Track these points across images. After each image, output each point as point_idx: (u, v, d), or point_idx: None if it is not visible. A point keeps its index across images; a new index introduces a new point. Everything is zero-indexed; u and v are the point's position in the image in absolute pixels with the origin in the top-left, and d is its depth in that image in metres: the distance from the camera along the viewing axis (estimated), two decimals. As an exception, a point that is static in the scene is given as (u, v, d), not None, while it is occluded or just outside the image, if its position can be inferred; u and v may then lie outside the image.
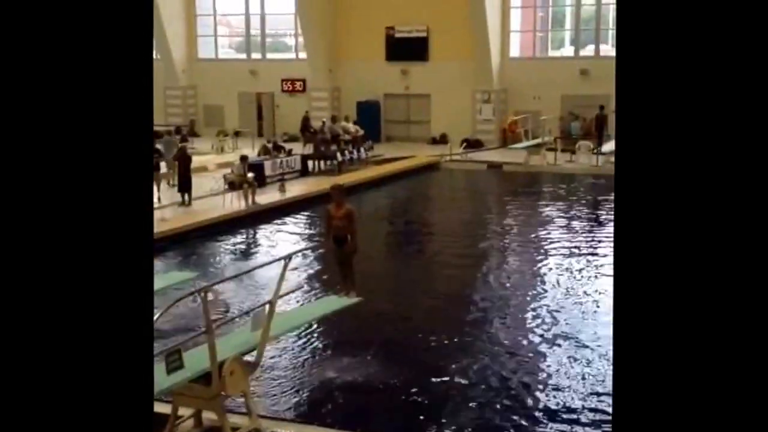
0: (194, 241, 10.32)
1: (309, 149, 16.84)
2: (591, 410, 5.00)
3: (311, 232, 11.44)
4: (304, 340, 6.34)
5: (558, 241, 10.25)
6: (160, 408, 4.42)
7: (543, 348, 6.20)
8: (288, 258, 4.66)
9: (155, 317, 3.98)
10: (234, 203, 11.83)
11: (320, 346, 6.28)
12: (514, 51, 19.81)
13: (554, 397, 5.20)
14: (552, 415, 4.92)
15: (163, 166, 12.94)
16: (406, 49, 20.13)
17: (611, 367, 5.52)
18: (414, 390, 5.29)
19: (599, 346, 6.17)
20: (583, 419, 4.85)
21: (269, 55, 22.87)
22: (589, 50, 19.39)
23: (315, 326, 6.49)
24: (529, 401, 5.13)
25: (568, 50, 20.09)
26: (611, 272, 9.09)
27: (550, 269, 8.73)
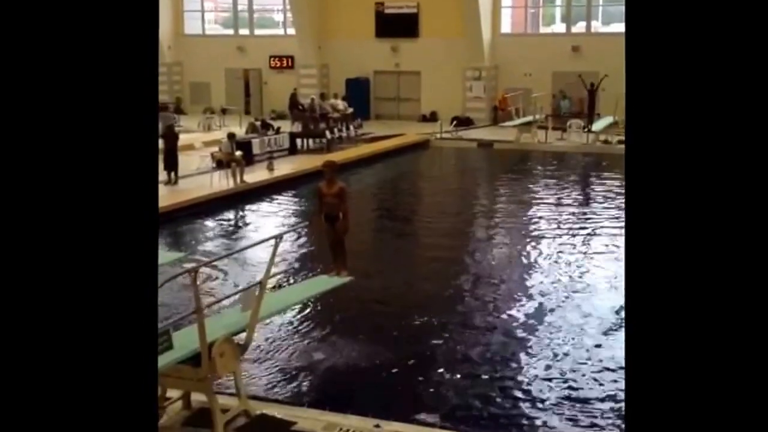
0: (181, 220, 10.12)
1: (297, 127, 16.59)
2: (579, 389, 5.02)
3: (301, 211, 11.29)
4: (294, 320, 6.27)
5: (548, 220, 10.22)
6: None
7: (532, 327, 6.18)
8: (279, 237, 4.55)
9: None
10: (221, 182, 11.64)
11: (310, 326, 6.22)
12: (506, 27, 19.57)
13: (545, 378, 5.19)
14: (541, 397, 4.92)
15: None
16: (396, 26, 19.78)
17: (598, 346, 5.61)
18: (403, 371, 5.26)
19: (588, 324, 6.18)
20: (572, 401, 4.86)
21: (257, 31, 22.40)
22: (580, 27, 19.19)
23: (305, 306, 6.42)
24: (519, 383, 5.13)
25: (559, 27, 19.86)
26: (601, 250, 9.09)
27: (541, 248, 8.70)
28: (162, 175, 11.90)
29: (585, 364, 5.36)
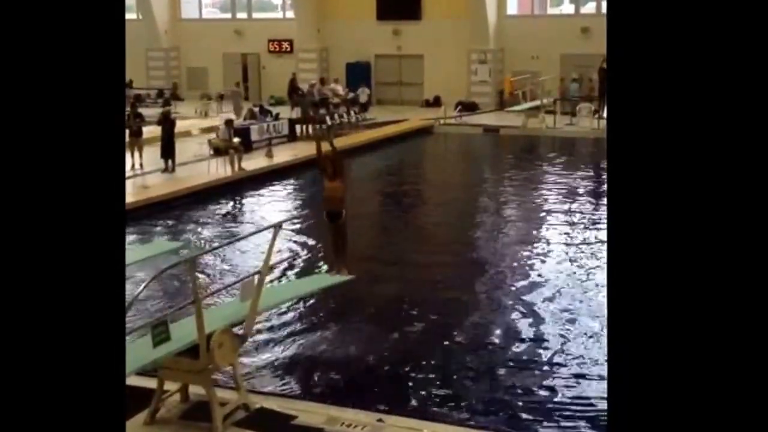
0: (179, 208, 9.95)
1: (297, 113, 16.26)
2: (590, 380, 4.81)
3: (300, 198, 11.08)
4: (294, 312, 6.10)
5: (556, 208, 10.01)
6: (145, 382, 4.22)
7: (540, 318, 5.99)
8: (278, 226, 4.38)
9: (141, 287, 3.72)
10: (219, 169, 11.41)
11: (311, 318, 6.06)
12: (512, 8, 19.19)
13: (554, 368, 5.02)
14: (550, 386, 4.77)
15: (146, 131, 12.33)
16: (398, 7, 19.41)
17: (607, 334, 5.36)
18: (405, 364, 5.10)
19: (598, 311, 5.95)
20: (580, 393, 4.68)
21: (255, 15, 22.09)
22: (590, 7, 18.77)
23: (306, 298, 6.26)
24: (526, 376, 4.96)
25: (568, 7, 19.44)
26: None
27: (548, 237, 8.51)
28: (159, 162, 11.69)
29: (599, 346, 5.16)
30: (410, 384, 4.79)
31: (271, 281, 5.81)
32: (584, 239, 8.37)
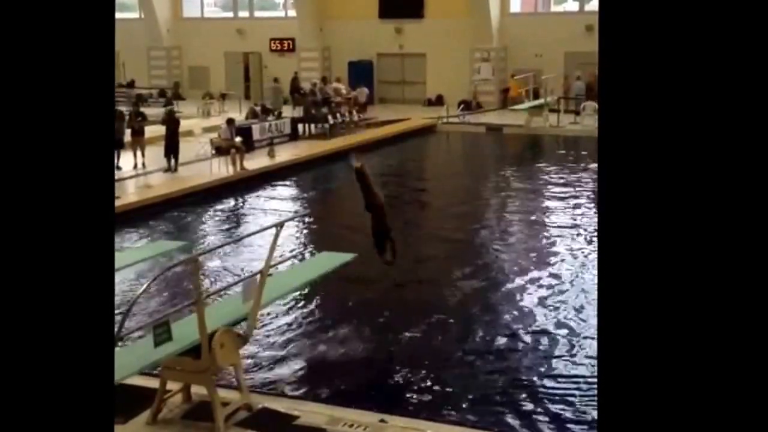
0: (181, 208, 9.94)
1: (299, 112, 16.23)
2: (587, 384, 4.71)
3: (302, 198, 11.05)
4: (296, 312, 6.10)
5: (559, 209, 9.96)
6: (147, 382, 4.21)
7: (540, 320, 5.96)
8: (280, 226, 4.35)
9: (143, 287, 3.69)
10: (221, 169, 11.41)
11: (313, 318, 6.05)
12: (515, 6, 19.11)
13: (554, 372, 5.01)
14: (550, 389, 4.75)
15: (148, 130, 12.30)
16: (400, 6, 19.34)
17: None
18: (406, 364, 5.09)
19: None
20: (581, 394, 4.65)
21: (257, 14, 22.06)
22: (594, 5, 18.62)
23: (307, 298, 6.24)
24: (528, 379, 4.94)
25: (572, 5, 19.37)
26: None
27: (551, 237, 8.47)
28: (161, 162, 11.67)
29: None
30: (412, 384, 4.78)
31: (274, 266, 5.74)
32: (587, 239, 8.31)
